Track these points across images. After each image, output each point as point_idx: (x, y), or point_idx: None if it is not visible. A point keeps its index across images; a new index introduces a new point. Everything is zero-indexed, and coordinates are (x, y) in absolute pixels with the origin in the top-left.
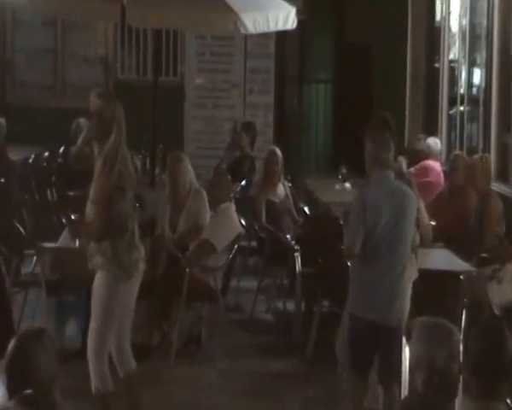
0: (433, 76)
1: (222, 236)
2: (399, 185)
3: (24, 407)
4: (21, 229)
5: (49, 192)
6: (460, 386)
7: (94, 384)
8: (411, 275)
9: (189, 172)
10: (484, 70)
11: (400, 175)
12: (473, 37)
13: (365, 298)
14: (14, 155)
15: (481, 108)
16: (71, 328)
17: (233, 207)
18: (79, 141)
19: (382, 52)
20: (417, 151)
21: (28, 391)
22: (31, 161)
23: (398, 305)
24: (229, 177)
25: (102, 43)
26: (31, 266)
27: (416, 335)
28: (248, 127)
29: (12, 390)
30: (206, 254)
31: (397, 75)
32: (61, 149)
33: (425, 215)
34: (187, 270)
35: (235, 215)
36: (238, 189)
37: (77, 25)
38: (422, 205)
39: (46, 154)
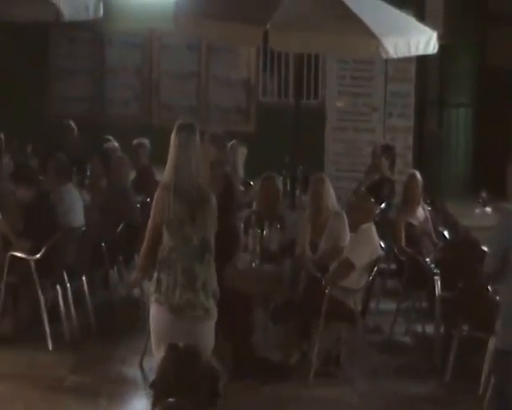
0: None
1: (361, 253)
2: None
3: None
4: None
5: None
6: None
7: None
8: None
9: (331, 195)
10: None
11: None
12: None
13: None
14: (160, 175)
15: None
16: None
17: (374, 227)
18: None
19: None
20: None
21: (171, 399)
22: None
23: None
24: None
25: (245, 66)
26: None
27: None
28: (388, 151)
29: (156, 400)
30: (345, 272)
31: None
32: None
33: None
34: (326, 291)
35: (375, 236)
36: (378, 211)
37: (220, 49)
38: None
39: None
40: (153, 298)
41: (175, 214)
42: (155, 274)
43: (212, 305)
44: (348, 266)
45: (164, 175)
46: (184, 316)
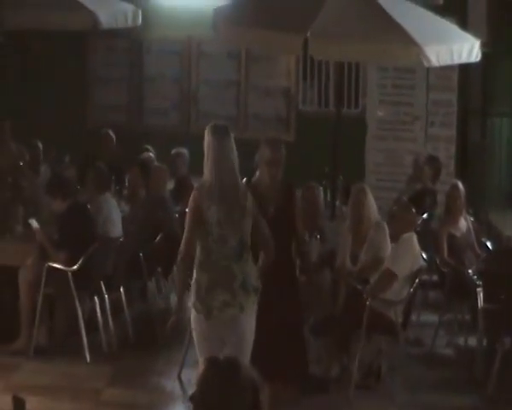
0: None
1: (402, 263)
2: None
3: None
4: None
5: None
6: None
7: None
8: None
9: (372, 205)
10: None
11: None
12: None
13: None
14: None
15: None
16: None
17: (415, 237)
18: None
19: None
20: None
21: None
22: None
23: None
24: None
25: (284, 75)
26: None
27: None
28: (432, 161)
29: None
30: (388, 283)
31: None
32: (244, 180)
33: None
34: (367, 302)
35: (416, 245)
36: (420, 222)
37: (260, 57)
38: None
39: None
40: (191, 303)
41: (213, 216)
42: (194, 275)
43: (250, 302)
44: (390, 276)
45: (203, 178)
46: (219, 319)
